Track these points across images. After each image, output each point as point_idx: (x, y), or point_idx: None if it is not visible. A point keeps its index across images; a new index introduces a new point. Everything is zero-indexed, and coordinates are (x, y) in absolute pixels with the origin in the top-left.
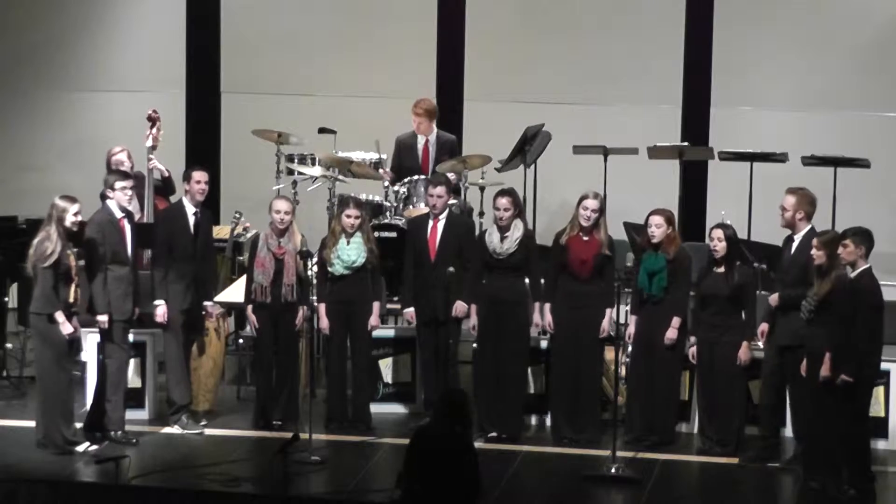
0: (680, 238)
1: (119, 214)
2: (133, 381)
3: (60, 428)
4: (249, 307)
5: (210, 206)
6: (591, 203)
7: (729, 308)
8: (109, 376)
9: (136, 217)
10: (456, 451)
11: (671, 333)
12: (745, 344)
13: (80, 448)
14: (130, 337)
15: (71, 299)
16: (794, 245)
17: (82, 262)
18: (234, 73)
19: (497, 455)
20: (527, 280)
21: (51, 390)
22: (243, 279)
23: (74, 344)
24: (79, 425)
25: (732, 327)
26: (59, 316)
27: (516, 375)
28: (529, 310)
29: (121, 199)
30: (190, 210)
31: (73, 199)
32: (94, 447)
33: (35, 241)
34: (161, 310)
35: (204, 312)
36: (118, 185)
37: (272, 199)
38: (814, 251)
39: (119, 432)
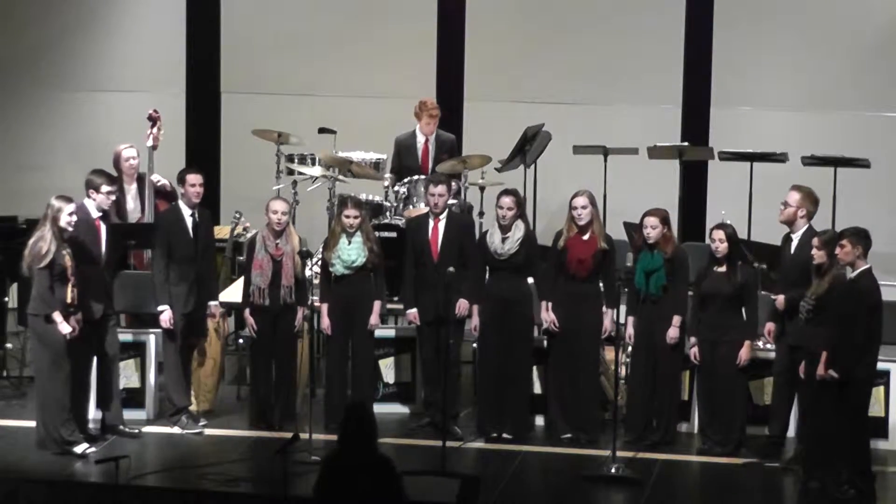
0: (675, 237)
1: (95, 214)
2: (133, 381)
3: (58, 428)
4: (247, 310)
5: (210, 206)
6: (580, 201)
7: (730, 308)
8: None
9: (137, 218)
10: (375, 469)
11: (673, 332)
12: (746, 343)
13: (79, 449)
14: (128, 336)
15: (68, 300)
16: (794, 244)
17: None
18: (234, 73)
19: (497, 455)
20: (530, 280)
21: (48, 391)
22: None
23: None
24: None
25: (734, 327)
26: (57, 316)
27: (521, 375)
28: (534, 309)
29: (103, 201)
30: (187, 212)
31: (68, 200)
32: (93, 449)
33: (30, 242)
34: (166, 315)
35: (208, 313)
36: (104, 188)
37: (269, 200)
38: (813, 251)
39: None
